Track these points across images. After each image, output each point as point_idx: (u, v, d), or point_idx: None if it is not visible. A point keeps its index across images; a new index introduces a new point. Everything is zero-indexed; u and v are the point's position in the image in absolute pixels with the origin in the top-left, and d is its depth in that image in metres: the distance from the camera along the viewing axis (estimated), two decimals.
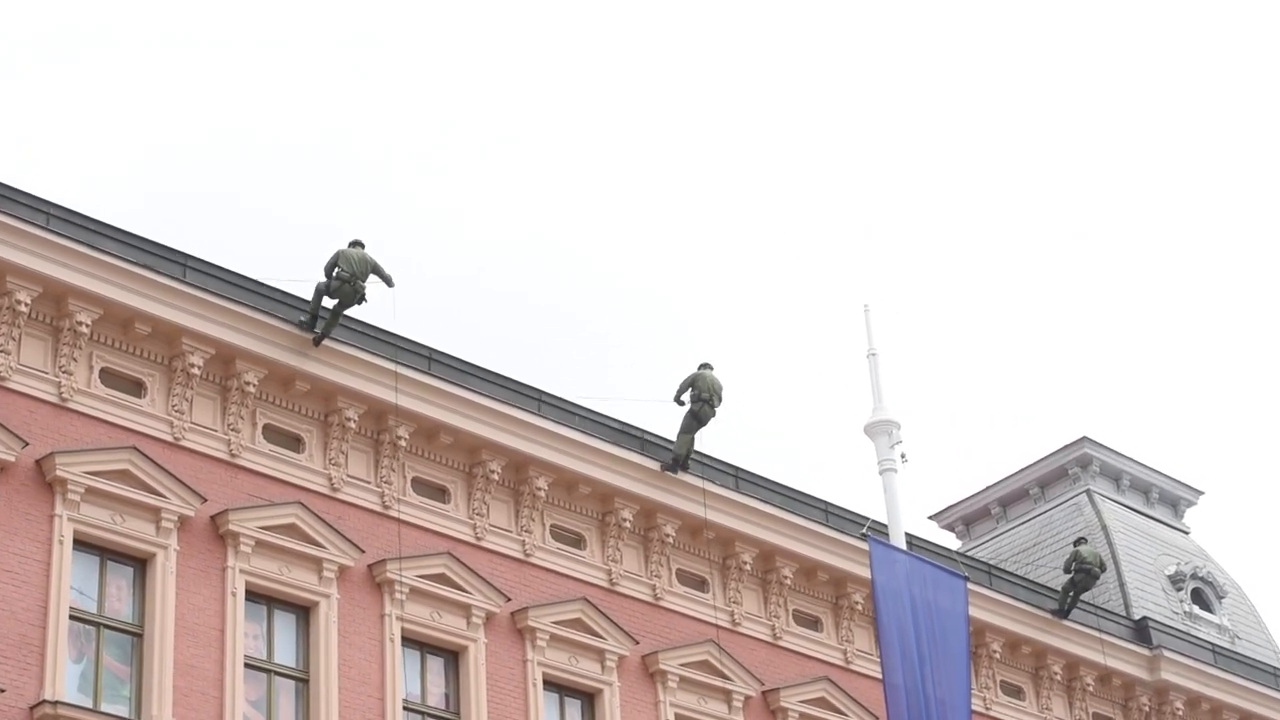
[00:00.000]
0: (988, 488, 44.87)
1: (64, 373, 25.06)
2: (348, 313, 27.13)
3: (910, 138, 79.05)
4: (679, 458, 30.16)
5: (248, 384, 26.43)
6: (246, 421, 26.54)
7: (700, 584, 30.95)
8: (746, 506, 31.05)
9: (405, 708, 26.85)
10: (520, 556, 28.80)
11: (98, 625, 24.46)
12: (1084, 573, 35.17)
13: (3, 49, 64.47)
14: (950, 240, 78.73)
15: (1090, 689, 35.73)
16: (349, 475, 27.34)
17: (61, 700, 23.39)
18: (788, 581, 31.61)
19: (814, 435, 73.26)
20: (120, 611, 24.75)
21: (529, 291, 72.14)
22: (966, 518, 45.07)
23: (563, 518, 29.57)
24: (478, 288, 70.72)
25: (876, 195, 78.64)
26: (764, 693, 30.75)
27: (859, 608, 32.16)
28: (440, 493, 28.40)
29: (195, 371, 25.99)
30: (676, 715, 29.62)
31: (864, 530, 30.91)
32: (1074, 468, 43.51)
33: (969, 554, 39.16)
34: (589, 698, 29.06)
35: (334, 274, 26.67)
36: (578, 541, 29.71)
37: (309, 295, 26.95)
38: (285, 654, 26.13)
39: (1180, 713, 36.77)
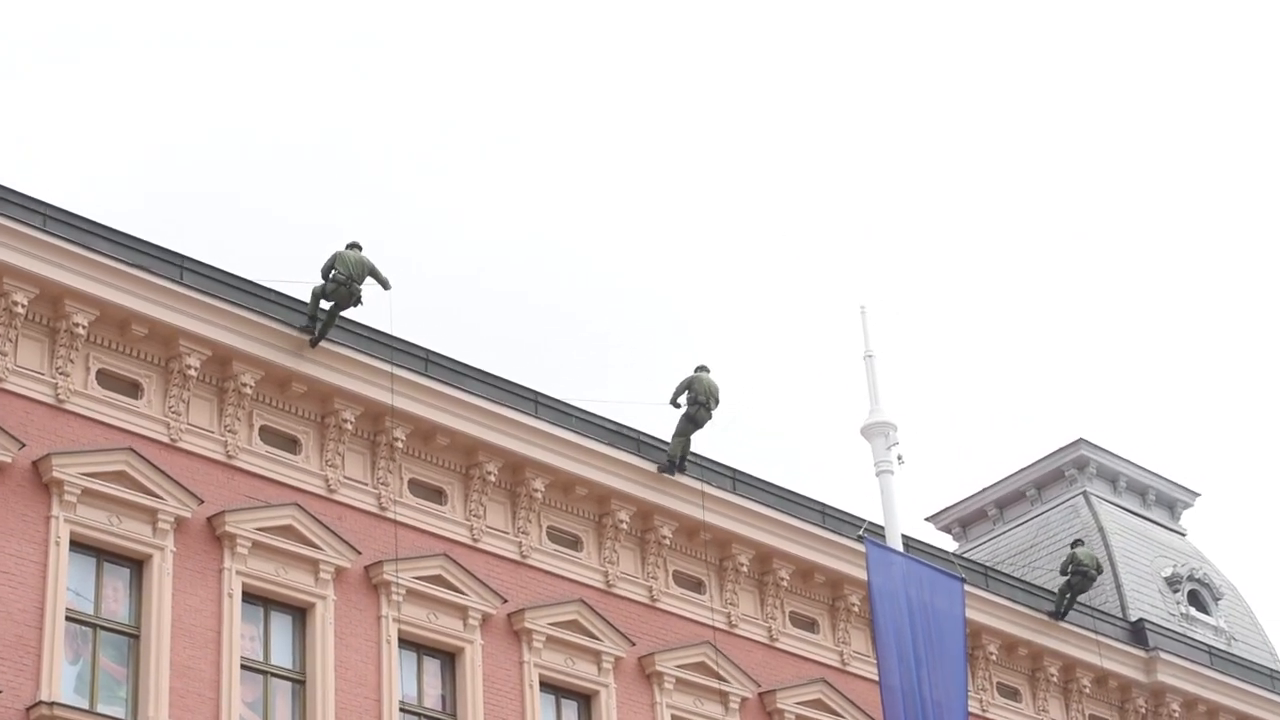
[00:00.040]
0: (984, 489, 44.91)
1: (60, 374, 25.06)
2: (345, 314, 27.14)
3: (907, 139, 79.11)
4: (674, 460, 30.17)
5: (244, 385, 26.43)
6: (243, 423, 26.55)
7: (697, 586, 30.96)
8: (743, 508, 31.06)
9: (402, 709, 26.85)
10: (517, 558, 28.80)
11: (94, 626, 24.45)
12: (1080, 575, 35.18)
13: (1, 49, 64.51)
14: (947, 242, 78.81)
15: (1087, 691, 35.75)
16: (346, 477, 27.34)
17: (58, 701, 23.38)
18: (784, 583, 31.62)
19: (811, 437, 73.31)
20: (117, 613, 24.74)
21: (527, 292, 72.21)
22: (963, 519, 45.09)
23: (559, 519, 29.57)
24: (475, 288, 70.81)
25: (873, 197, 78.69)
26: (760, 694, 30.76)
27: (855, 609, 32.17)
28: (437, 494, 28.40)
29: (192, 373, 25.99)
30: (673, 717, 29.63)
31: (860, 532, 30.92)
32: (1070, 470, 43.54)
33: (966, 556, 39.18)
34: (585, 699, 29.06)
35: (331, 276, 26.68)
36: (574, 543, 29.72)
37: (306, 296, 26.96)
38: (282, 655, 26.14)
39: (1176, 714, 36.79)
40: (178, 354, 25.94)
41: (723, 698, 30.20)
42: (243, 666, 25.44)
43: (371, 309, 27.18)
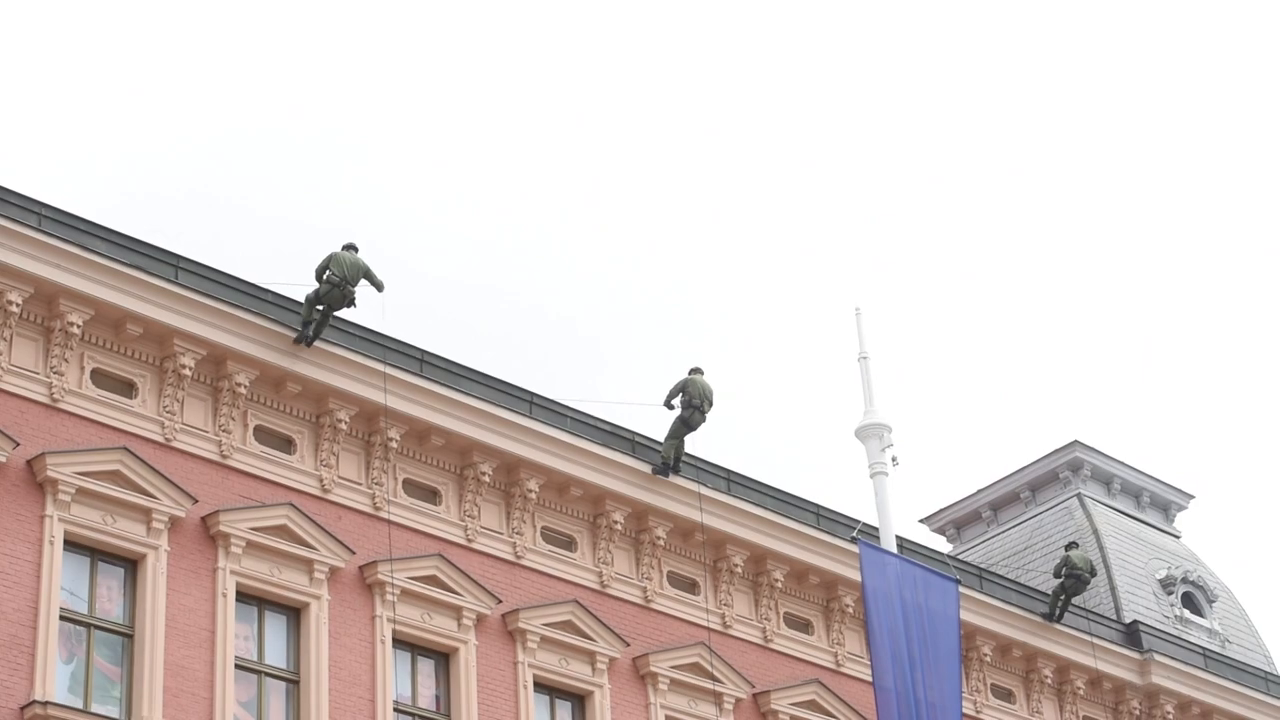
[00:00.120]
0: (979, 491, 44.92)
1: (55, 373, 25.04)
2: (340, 314, 27.13)
3: (902, 141, 79.16)
4: (667, 461, 30.16)
5: (239, 385, 26.42)
6: (238, 423, 26.54)
7: (691, 586, 30.96)
8: (738, 509, 31.06)
9: (396, 709, 26.85)
10: (511, 558, 28.79)
11: (88, 626, 24.44)
12: (1074, 578, 35.17)
13: None
14: (941, 244, 78.83)
15: (1081, 693, 35.75)
16: (340, 477, 27.33)
17: (52, 701, 23.37)
18: (779, 584, 31.61)
19: (805, 438, 73.35)
20: (111, 612, 24.73)
21: (521, 293, 72.22)
22: (957, 521, 45.10)
23: (554, 520, 29.56)
24: (470, 289, 70.81)
25: (868, 198, 78.73)
26: (754, 695, 30.76)
27: (850, 610, 32.17)
28: (431, 494, 28.39)
29: (186, 372, 25.98)
30: (667, 717, 29.63)
31: (854, 534, 30.92)
32: (1065, 471, 43.56)
33: (960, 557, 39.20)
34: (580, 700, 29.06)
35: (325, 277, 26.68)
36: (569, 544, 29.71)
37: (301, 296, 26.95)
38: (276, 655, 26.12)
39: (1171, 716, 36.80)
40: (172, 353, 25.93)
41: (717, 698, 30.20)
42: (237, 666, 25.43)
43: (366, 309, 27.24)
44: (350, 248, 27.13)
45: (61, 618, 24.04)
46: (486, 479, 28.61)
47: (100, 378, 25.60)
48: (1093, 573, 35.61)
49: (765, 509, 31.41)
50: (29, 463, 24.40)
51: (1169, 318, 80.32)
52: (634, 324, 75.35)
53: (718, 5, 76.85)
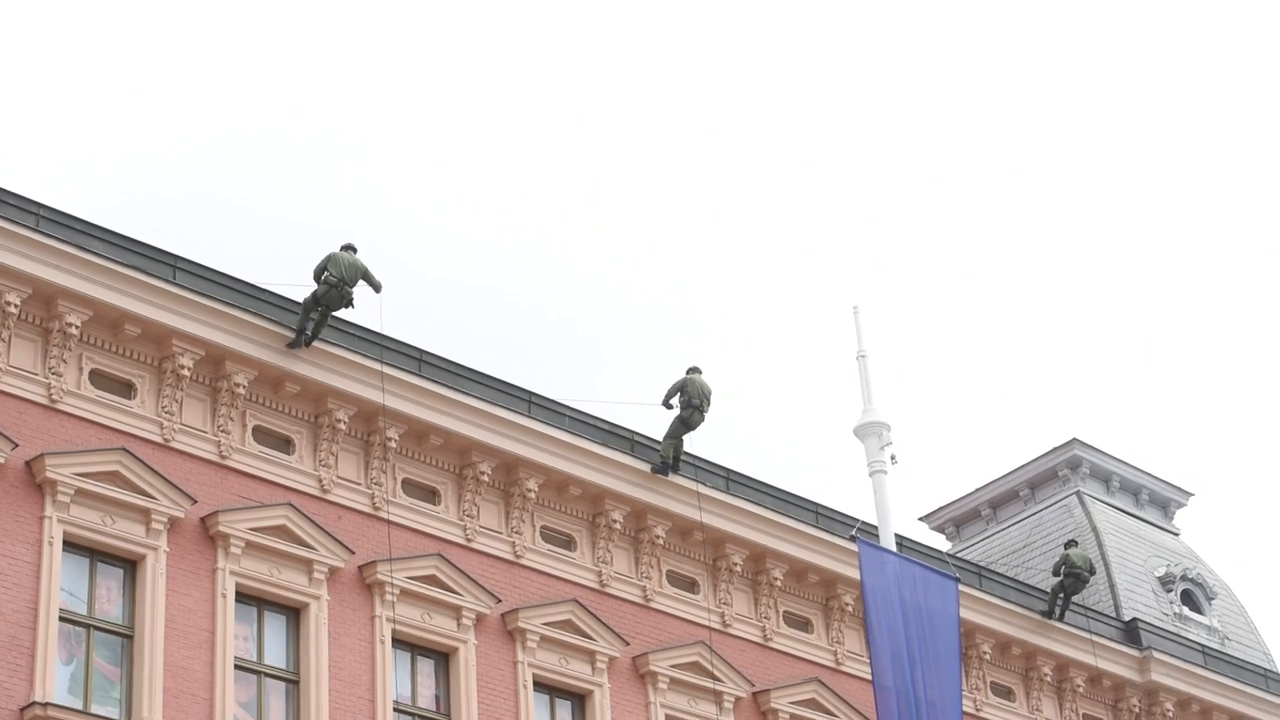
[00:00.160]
0: (978, 489, 44.94)
1: (53, 374, 25.04)
2: (339, 314, 27.13)
3: (900, 139, 79.15)
4: (666, 461, 30.16)
5: (237, 385, 26.42)
6: (236, 423, 26.54)
7: (691, 585, 30.96)
8: (737, 508, 31.06)
9: (396, 709, 26.85)
10: (510, 558, 28.80)
11: (88, 627, 24.44)
12: (1073, 577, 35.18)
13: None
14: (940, 242, 78.83)
15: (1080, 690, 35.76)
16: (339, 477, 27.33)
17: (51, 702, 23.37)
18: (778, 583, 31.62)
19: (804, 437, 73.38)
20: (110, 613, 24.73)
21: (520, 292, 72.23)
22: (957, 519, 45.12)
23: (553, 519, 29.57)
24: (469, 288, 70.81)
25: (866, 197, 78.74)
26: (754, 694, 30.76)
27: (849, 609, 32.17)
28: (430, 494, 28.39)
29: (185, 373, 25.98)
30: (667, 716, 29.63)
31: (853, 532, 30.93)
32: (1064, 469, 43.57)
33: (959, 555, 39.21)
34: (579, 699, 29.06)
35: (323, 278, 26.68)
36: (568, 543, 29.72)
37: (298, 296, 26.95)
38: (275, 655, 26.12)
39: (1170, 714, 36.81)
40: (170, 354, 25.93)
41: (717, 697, 30.20)
42: (236, 667, 25.43)
43: (364, 309, 27.23)
44: (349, 248, 27.14)
45: (61, 619, 24.04)
46: (485, 478, 28.61)
47: (99, 378, 25.59)
48: (1092, 571, 35.63)
49: (764, 508, 31.41)
50: (28, 464, 24.40)
51: (1168, 315, 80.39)
52: (634, 324, 75.40)
53: (718, 5, 76.89)
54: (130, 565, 25.00)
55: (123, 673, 24.49)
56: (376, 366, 27.42)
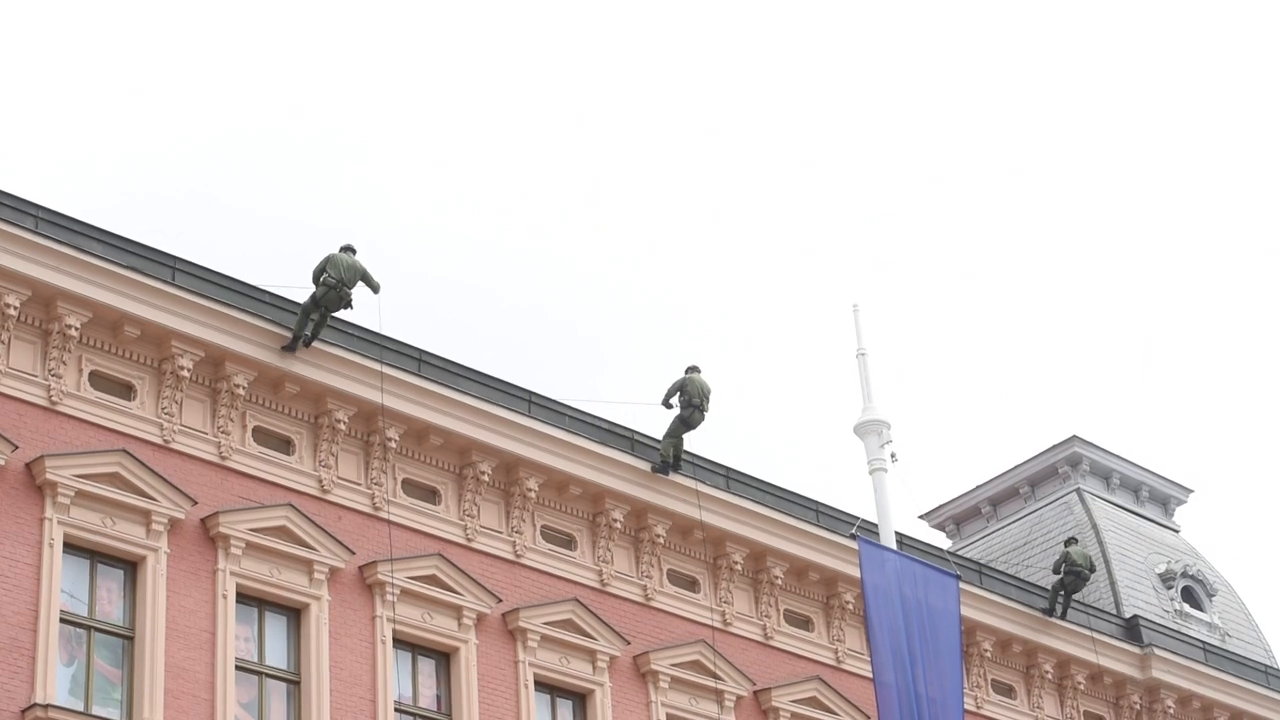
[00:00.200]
0: (978, 487, 44.96)
1: (53, 376, 25.04)
2: (338, 314, 27.13)
3: (899, 138, 79.15)
4: (666, 460, 30.17)
5: (237, 386, 26.42)
6: (236, 424, 26.54)
7: (691, 584, 30.97)
8: (737, 506, 31.06)
9: (397, 709, 26.85)
10: (511, 557, 28.80)
11: (88, 628, 24.44)
12: (1073, 575, 35.19)
13: None
14: (939, 240, 78.85)
15: (1081, 688, 35.77)
16: (339, 477, 27.33)
17: (52, 704, 23.37)
18: (779, 581, 31.62)
19: (804, 435, 73.38)
20: (111, 614, 24.73)
21: (519, 292, 72.25)
22: (957, 517, 45.13)
23: (553, 518, 29.57)
24: (468, 288, 70.80)
25: (865, 195, 78.75)
26: (755, 692, 30.77)
27: (850, 607, 32.17)
28: (431, 494, 28.40)
29: (184, 374, 25.98)
30: (668, 715, 29.64)
31: (853, 531, 30.94)
32: (1064, 466, 43.58)
33: (960, 553, 39.21)
34: (580, 698, 29.07)
35: (322, 280, 26.68)
36: (568, 542, 29.72)
37: (298, 297, 26.95)
38: (276, 656, 26.13)
39: (1171, 711, 36.81)
40: (170, 355, 25.93)
41: (718, 696, 30.21)
42: (237, 667, 25.43)
43: (363, 309, 27.23)
44: (347, 250, 27.14)
45: (62, 620, 24.04)
46: (485, 478, 28.62)
47: (98, 380, 25.60)
48: (1092, 569, 35.63)
49: (764, 506, 31.42)
50: (28, 465, 24.40)
51: (1167, 312, 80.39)
52: (634, 324, 75.40)
53: (717, 5, 76.89)
54: (131, 566, 25.01)
55: (123, 674, 24.50)
56: (376, 367, 27.42)
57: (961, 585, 29.28)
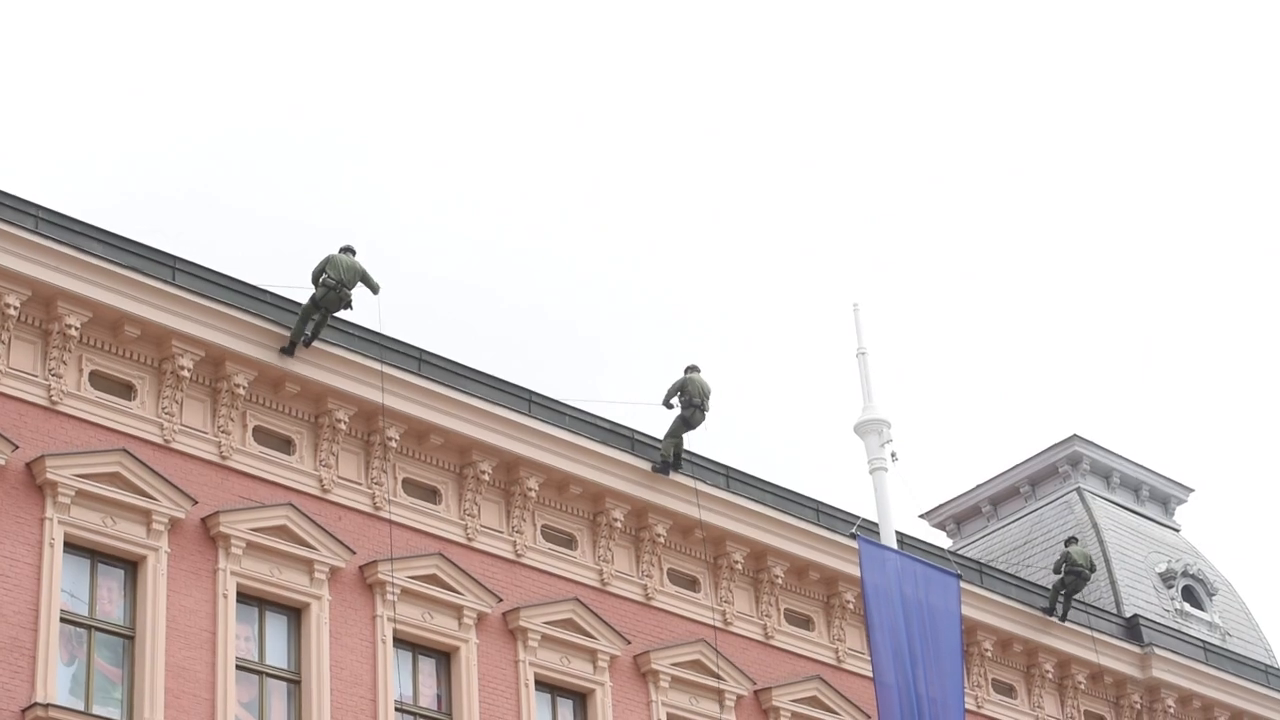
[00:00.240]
0: (978, 486, 44.96)
1: (53, 375, 25.05)
2: (339, 314, 27.14)
3: (900, 139, 79.15)
4: (667, 459, 30.17)
5: (237, 386, 26.42)
6: (236, 423, 26.54)
7: (692, 584, 30.97)
8: (737, 506, 31.06)
9: (397, 709, 26.85)
10: (511, 557, 28.80)
11: (89, 628, 24.45)
12: (1074, 574, 35.17)
13: None
14: (940, 239, 78.84)
15: (1082, 687, 35.77)
16: (339, 477, 27.34)
17: (53, 703, 23.37)
18: (779, 581, 31.62)
19: (804, 435, 73.35)
20: (111, 614, 24.73)
21: (519, 291, 72.26)
22: (957, 516, 45.13)
23: (554, 518, 29.57)
24: (468, 288, 70.80)
25: (865, 194, 78.75)
26: (756, 692, 30.77)
27: (850, 607, 32.17)
28: (431, 494, 28.40)
29: (185, 374, 25.98)
30: (669, 715, 29.64)
31: (853, 530, 30.94)
32: (1064, 466, 43.58)
33: (960, 552, 39.21)
34: (581, 698, 29.07)
35: (321, 280, 26.68)
36: (569, 542, 29.72)
37: (298, 297, 26.95)
38: (277, 656, 26.13)
39: (1172, 710, 36.81)
40: (170, 355, 25.93)
41: (718, 695, 30.21)
42: (238, 667, 25.43)
43: (363, 309, 27.23)
44: (347, 250, 27.14)
45: (62, 620, 24.04)
46: (486, 478, 28.62)
47: (99, 380, 25.60)
48: (1092, 569, 35.62)
49: (765, 505, 31.42)
50: (28, 465, 24.40)
51: (1168, 311, 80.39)
52: (634, 324, 75.40)
53: (717, 5, 76.89)
54: (131, 566, 25.01)
55: (124, 674, 24.50)
56: (376, 366, 27.42)
57: (962, 585, 29.28)
